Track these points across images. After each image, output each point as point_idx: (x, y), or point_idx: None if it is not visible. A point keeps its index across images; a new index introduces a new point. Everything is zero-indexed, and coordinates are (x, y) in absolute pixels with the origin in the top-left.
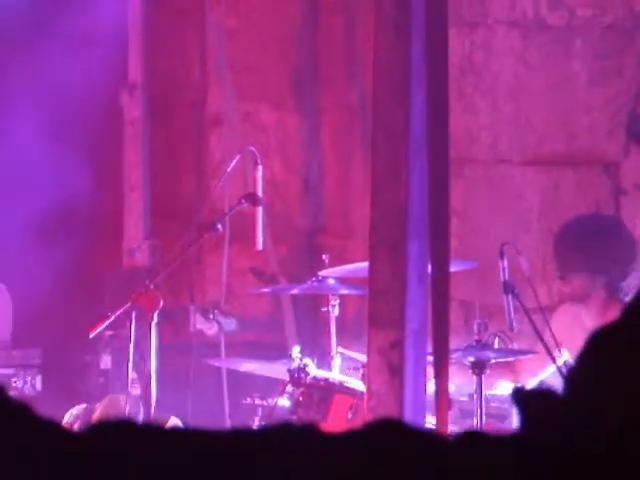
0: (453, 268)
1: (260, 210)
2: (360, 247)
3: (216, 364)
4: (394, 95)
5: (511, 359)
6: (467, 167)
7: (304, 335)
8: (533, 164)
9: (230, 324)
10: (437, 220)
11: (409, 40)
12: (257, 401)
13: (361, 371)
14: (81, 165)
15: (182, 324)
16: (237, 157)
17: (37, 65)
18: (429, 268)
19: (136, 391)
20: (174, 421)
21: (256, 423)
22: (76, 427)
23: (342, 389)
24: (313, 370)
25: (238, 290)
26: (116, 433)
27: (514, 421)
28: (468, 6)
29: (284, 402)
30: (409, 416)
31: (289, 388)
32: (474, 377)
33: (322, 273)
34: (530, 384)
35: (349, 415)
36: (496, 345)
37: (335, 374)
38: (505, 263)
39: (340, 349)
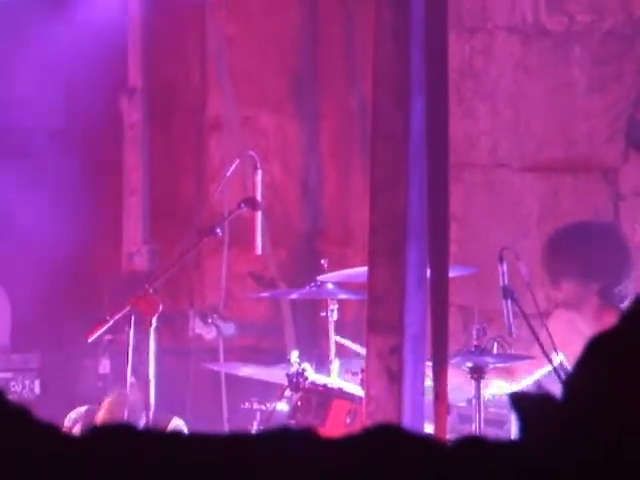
0: (452, 273)
1: (259, 214)
2: (359, 252)
3: (215, 368)
4: (394, 100)
5: (509, 364)
6: (466, 172)
7: (303, 340)
8: (532, 170)
9: (229, 328)
10: (436, 225)
11: (409, 45)
12: (255, 406)
13: (360, 376)
14: (81, 168)
15: (181, 328)
16: (236, 161)
17: (38, 68)
18: (428, 273)
19: (135, 395)
20: (176, 422)
21: (254, 428)
22: (77, 429)
23: (341, 394)
24: (312, 375)
25: (237, 294)
26: (116, 437)
27: (513, 427)
28: (468, 11)
29: (282, 407)
30: (408, 421)
31: (288, 393)
32: (472, 382)
33: (321, 278)
34: (524, 383)
35: (347, 420)
36: (495, 350)
37: (334, 379)
38: (504, 268)
39: (338, 338)
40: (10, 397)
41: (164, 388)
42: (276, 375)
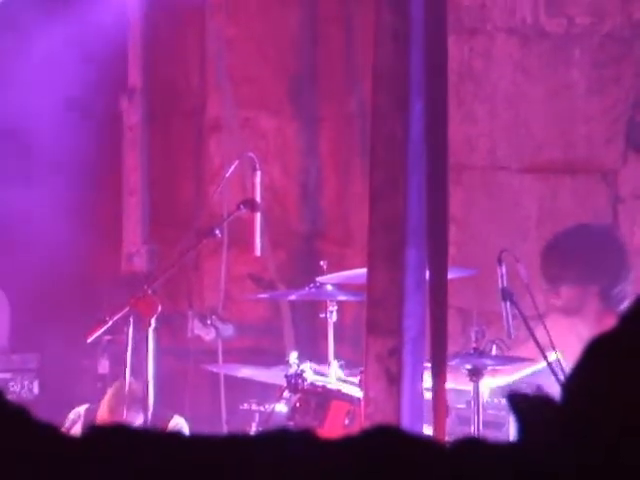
0: (451, 275)
1: (258, 216)
2: (358, 254)
3: (214, 370)
4: (393, 102)
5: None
6: (466, 174)
7: (302, 341)
8: (531, 172)
9: (228, 330)
10: (435, 227)
11: (408, 48)
12: (254, 407)
13: (359, 377)
14: (80, 169)
15: (180, 329)
16: (236, 163)
17: (37, 68)
18: (427, 275)
19: (135, 385)
20: (177, 420)
21: (253, 429)
22: (77, 429)
23: (339, 395)
24: (310, 376)
25: (236, 296)
26: (115, 438)
27: (511, 429)
28: (467, 13)
29: (281, 408)
30: (406, 423)
31: (286, 394)
32: (471, 384)
33: (320, 279)
34: (519, 377)
35: (346, 421)
36: (494, 352)
37: (332, 380)
38: (503, 270)
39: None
40: (9, 397)
41: (163, 389)
42: (275, 376)
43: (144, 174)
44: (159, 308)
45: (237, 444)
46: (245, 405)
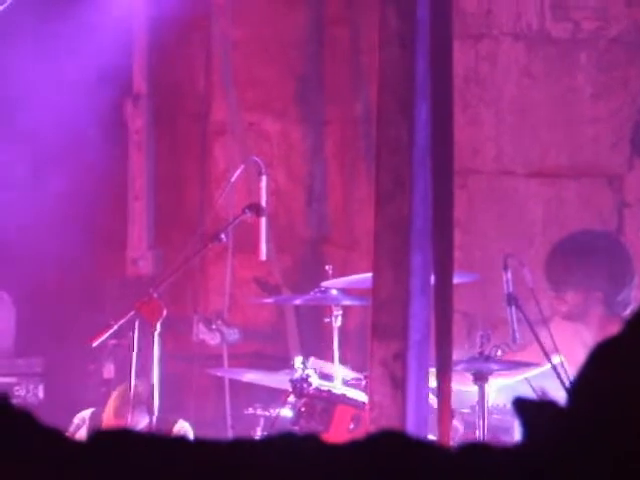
0: (456, 280)
1: (264, 220)
2: (363, 258)
3: (218, 374)
4: (399, 107)
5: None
6: (471, 178)
7: (307, 346)
8: (537, 176)
9: (233, 334)
10: (441, 231)
11: (414, 53)
12: (259, 411)
13: (364, 382)
14: (85, 174)
15: (185, 334)
16: (241, 167)
17: (42, 73)
18: (432, 279)
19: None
20: (182, 424)
21: (258, 433)
22: (82, 433)
23: (344, 400)
24: (315, 381)
25: (241, 300)
26: (118, 442)
27: (516, 433)
28: (473, 18)
29: (286, 413)
30: (411, 427)
31: (291, 399)
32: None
33: (325, 284)
34: (522, 378)
35: (351, 426)
36: (499, 357)
37: (337, 385)
38: (509, 275)
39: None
40: (14, 402)
41: (168, 393)
42: (280, 381)
43: (149, 178)
44: (164, 312)
45: (242, 448)
46: (250, 410)
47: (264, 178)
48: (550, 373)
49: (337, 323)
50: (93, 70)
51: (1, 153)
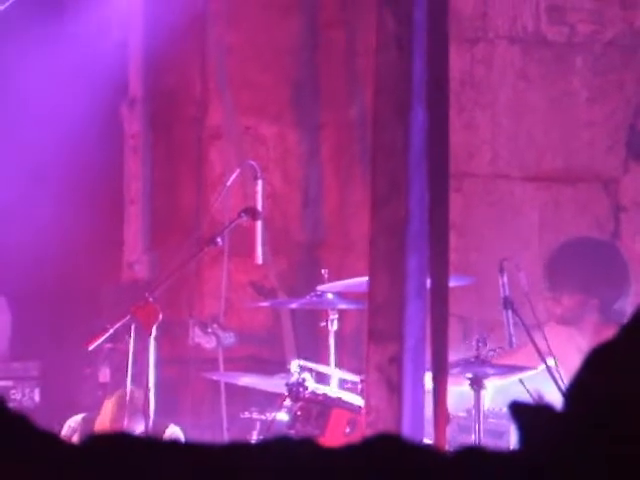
0: (452, 283)
1: (260, 224)
2: (359, 261)
3: (214, 378)
4: (394, 110)
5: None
6: (467, 182)
7: (303, 349)
8: (533, 180)
9: (229, 338)
10: (436, 235)
11: (410, 56)
12: (255, 415)
13: (359, 386)
14: (81, 178)
15: (181, 337)
16: (237, 171)
17: (37, 78)
18: (428, 283)
19: (135, 396)
20: (173, 429)
21: (254, 437)
22: (75, 438)
23: (340, 404)
24: (311, 384)
25: (237, 304)
26: (114, 445)
27: (512, 437)
28: (469, 21)
29: (282, 416)
30: (407, 431)
31: (287, 402)
32: (472, 393)
33: (321, 288)
34: (516, 381)
35: (347, 430)
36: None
37: (333, 389)
38: (505, 279)
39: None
40: (10, 405)
41: (164, 397)
42: (276, 385)
43: (145, 182)
44: (160, 316)
45: (238, 452)
46: (246, 413)
47: (260, 182)
48: (544, 376)
49: (333, 327)
50: (89, 75)
51: None
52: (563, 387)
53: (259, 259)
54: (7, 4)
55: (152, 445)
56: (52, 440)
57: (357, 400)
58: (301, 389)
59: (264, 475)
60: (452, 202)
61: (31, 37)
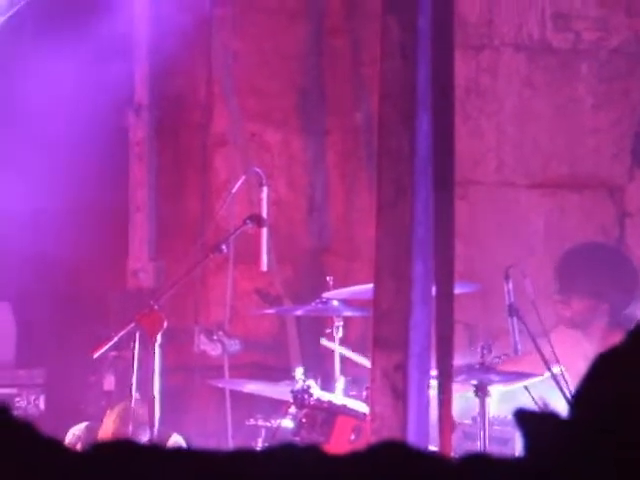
0: (457, 290)
1: (265, 231)
2: (365, 268)
3: (219, 385)
4: (400, 117)
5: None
6: (472, 189)
7: (308, 357)
8: (538, 187)
9: (234, 345)
10: (442, 242)
11: (415, 63)
12: (260, 422)
13: (364, 393)
14: (86, 185)
15: (186, 345)
16: (242, 178)
17: (43, 85)
18: (433, 290)
19: (139, 408)
20: (176, 438)
21: (259, 444)
22: (79, 446)
23: (345, 411)
24: (317, 392)
25: (242, 311)
26: (117, 452)
27: (517, 444)
28: (474, 28)
29: (287, 423)
30: (412, 438)
31: (292, 409)
32: (477, 400)
33: (326, 295)
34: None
35: (352, 437)
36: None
37: (338, 396)
38: (510, 286)
39: (344, 350)
40: (15, 413)
41: (169, 404)
42: (281, 392)
43: (150, 189)
44: (165, 324)
45: (243, 459)
46: (251, 420)
47: (265, 189)
48: (550, 383)
49: (338, 334)
50: (94, 81)
51: (1, 164)
52: (569, 394)
53: (264, 266)
54: (6, 17)
55: (156, 452)
56: (57, 447)
57: (362, 407)
58: (306, 396)
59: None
60: (457, 210)
61: (37, 45)
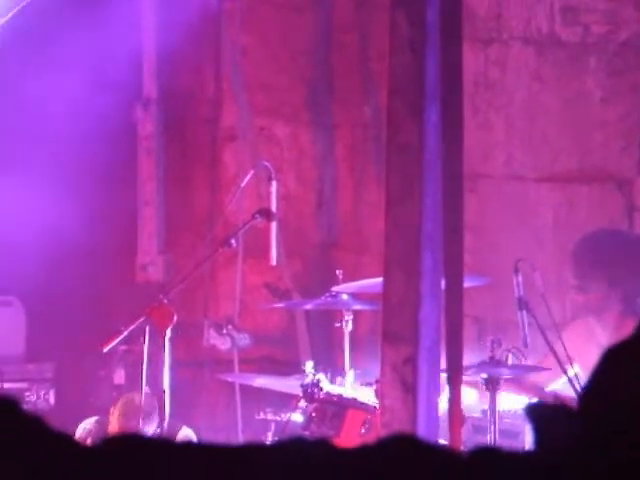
0: (466, 284)
1: (274, 225)
2: (374, 262)
3: (229, 379)
4: (409, 111)
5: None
6: (481, 183)
7: (317, 350)
8: (547, 180)
9: (243, 339)
10: (451, 235)
11: (424, 57)
12: (270, 416)
13: (374, 386)
14: (95, 180)
15: (195, 339)
16: (251, 172)
17: (52, 81)
18: (443, 284)
19: (147, 399)
20: (186, 431)
21: (269, 438)
22: (90, 440)
23: (355, 404)
24: (326, 385)
25: (252, 305)
26: (127, 447)
27: (527, 438)
28: (483, 22)
29: (297, 417)
30: (422, 432)
31: (302, 403)
32: (487, 393)
33: (336, 288)
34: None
35: (362, 430)
36: (510, 361)
37: (348, 389)
38: (519, 279)
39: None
40: (25, 407)
41: (178, 398)
42: (291, 386)
43: (159, 184)
44: (174, 318)
45: (253, 453)
46: (261, 415)
47: (274, 183)
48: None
49: (348, 328)
50: (103, 76)
51: (10, 159)
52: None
53: (273, 260)
54: (10, 15)
55: (166, 446)
56: (66, 442)
57: (372, 401)
58: (316, 390)
59: (279, 476)
60: (467, 203)
61: (45, 39)
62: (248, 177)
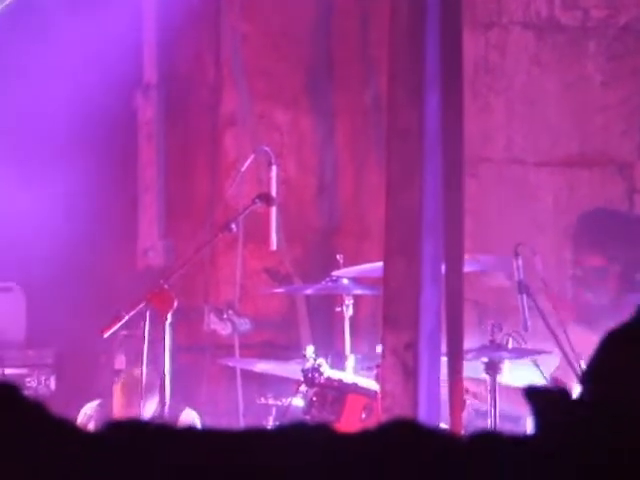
0: (467, 268)
1: (274, 210)
2: (374, 247)
3: (230, 364)
4: (409, 95)
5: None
6: (481, 167)
7: (318, 335)
8: (547, 164)
9: (244, 324)
10: (451, 220)
11: (424, 42)
12: (271, 401)
13: (375, 371)
14: (95, 164)
15: (196, 324)
16: (251, 157)
17: (52, 65)
18: (443, 268)
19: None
20: (188, 412)
21: (270, 423)
22: (91, 425)
23: (356, 389)
24: (327, 370)
25: (252, 290)
26: (129, 432)
27: (528, 422)
28: (483, 6)
29: (298, 402)
30: (423, 416)
31: (303, 388)
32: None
33: (336, 273)
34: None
35: (363, 415)
36: (510, 345)
37: (349, 374)
38: (519, 263)
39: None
40: (26, 393)
41: (179, 383)
42: (291, 370)
43: (159, 169)
44: (175, 303)
45: (254, 438)
46: (262, 399)
47: (274, 168)
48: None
49: (348, 312)
50: (103, 62)
51: (10, 146)
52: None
53: (274, 245)
54: (9, 1)
55: (167, 431)
56: (68, 427)
57: (373, 385)
58: (317, 375)
59: (280, 460)
60: (467, 187)
61: (46, 24)
62: (248, 162)
